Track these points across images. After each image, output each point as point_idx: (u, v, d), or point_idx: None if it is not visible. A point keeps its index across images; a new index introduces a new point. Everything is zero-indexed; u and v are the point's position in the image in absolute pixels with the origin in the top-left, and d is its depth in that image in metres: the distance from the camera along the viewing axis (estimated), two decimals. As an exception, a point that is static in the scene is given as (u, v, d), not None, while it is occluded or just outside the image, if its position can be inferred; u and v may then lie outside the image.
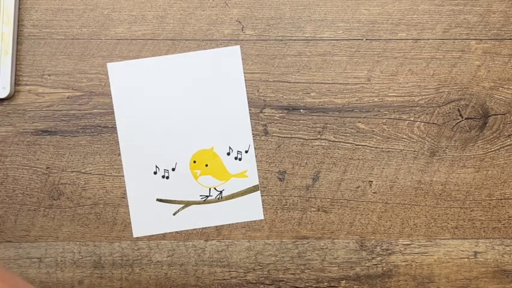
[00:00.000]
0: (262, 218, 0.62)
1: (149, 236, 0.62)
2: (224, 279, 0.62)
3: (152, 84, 0.62)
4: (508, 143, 0.62)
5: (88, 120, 0.62)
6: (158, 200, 0.62)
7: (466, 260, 0.62)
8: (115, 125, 0.62)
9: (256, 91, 0.62)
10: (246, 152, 0.62)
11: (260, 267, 0.62)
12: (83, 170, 0.62)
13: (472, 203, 0.62)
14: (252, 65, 0.62)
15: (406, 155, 0.62)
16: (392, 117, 0.62)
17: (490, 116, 0.62)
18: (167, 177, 0.62)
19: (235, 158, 0.62)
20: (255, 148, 0.62)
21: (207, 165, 0.62)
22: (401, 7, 0.62)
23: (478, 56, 0.62)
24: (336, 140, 0.62)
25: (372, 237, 0.62)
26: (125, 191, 0.62)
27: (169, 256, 0.62)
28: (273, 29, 0.62)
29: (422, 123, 0.62)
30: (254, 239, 0.62)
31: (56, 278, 0.62)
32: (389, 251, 0.62)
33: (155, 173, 0.62)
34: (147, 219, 0.62)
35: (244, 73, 0.62)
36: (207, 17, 0.62)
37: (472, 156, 0.62)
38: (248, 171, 0.62)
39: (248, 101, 0.62)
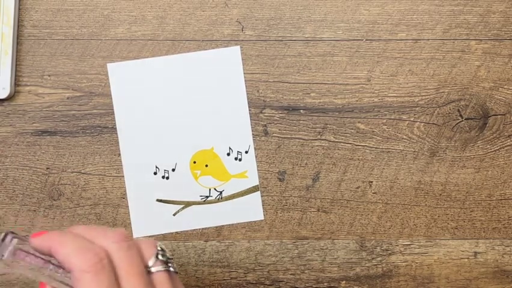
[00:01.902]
0: (262, 218, 0.62)
1: (149, 236, 0.62)
2: (224, 279, 0.62)
3: (152, 85, 0.62)
4: (508, 144, 0.62)
5: (88, 120, 0.62)
6: (158, 200, 0.62)
7: (466, 260, 0.62)
8: (115, 125, 0.62)
9: (256, 91, 0.62)
10: (246, 152, 0.62)
11: (260, 267, 0.62)
12: (83, 171, 0.62)
13: (472, 204, 0.62)
14: (252, 66, 0.62)
15: (406, 156, 0.62)
16: (392, 117, 0.62)
17: (490, 116, 0.62)
18: (167, 178, 0.62)
19: (235, 159, 0.62)
20: (255, 148, 0.62)
21: (207, 166, 0.62)
22: (400, 7, 0.62)
23: (478, 56, 0.62)
24: (336, 140, 0.62)
25: (372, 238, 0.62)
26: (125, 191, 0.62)
27: (169, 256, 0.62)
28: (273, 30, 0.62)
29: (422, 124, 0.62)
30: (254, 239, 0.62)
31: (56, 278, 0.62)
32: (389, 252, 0.62)
33: (155, 173, 0.62)
34: (147, 219, 0.62)
35: (244, 73, 0.62)
36: (207, 18, 0.62)
37: (472, 156, 0.62)
38: (248, 172, 0.62)
39: (248, 101, 0.62)
